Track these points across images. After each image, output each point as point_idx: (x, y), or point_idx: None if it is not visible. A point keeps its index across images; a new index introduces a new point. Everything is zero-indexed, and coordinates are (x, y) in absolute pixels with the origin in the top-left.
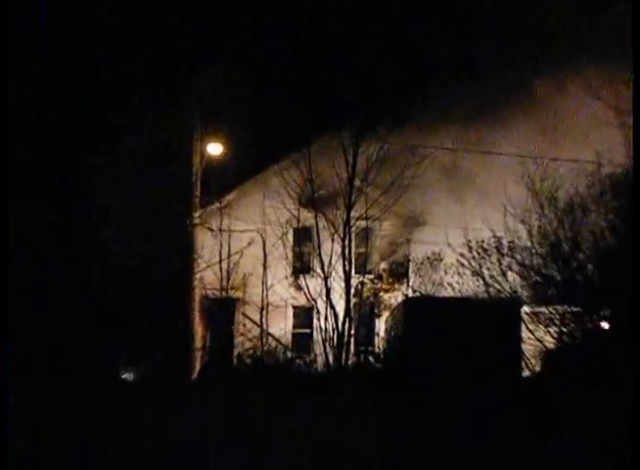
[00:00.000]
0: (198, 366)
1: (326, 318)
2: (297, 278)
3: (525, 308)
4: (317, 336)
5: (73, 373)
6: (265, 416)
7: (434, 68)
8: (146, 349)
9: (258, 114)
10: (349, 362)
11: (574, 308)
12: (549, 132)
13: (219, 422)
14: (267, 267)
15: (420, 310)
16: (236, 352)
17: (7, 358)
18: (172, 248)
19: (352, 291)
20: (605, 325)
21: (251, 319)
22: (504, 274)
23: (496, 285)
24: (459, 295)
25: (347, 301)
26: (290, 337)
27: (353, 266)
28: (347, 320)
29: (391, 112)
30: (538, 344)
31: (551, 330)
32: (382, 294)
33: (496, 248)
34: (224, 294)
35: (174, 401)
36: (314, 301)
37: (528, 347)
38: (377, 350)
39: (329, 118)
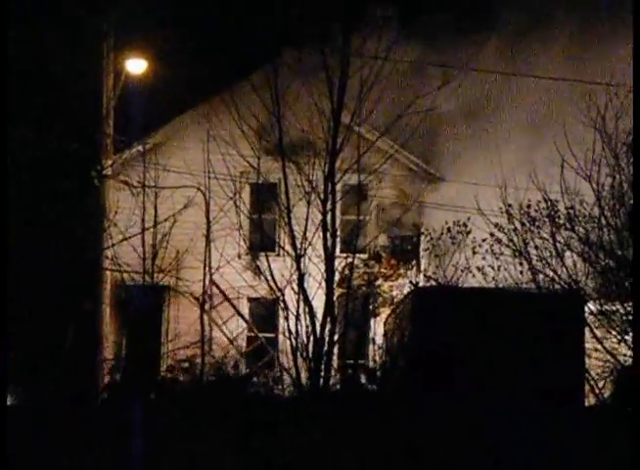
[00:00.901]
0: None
1: (297, 317)
2: (255, 258)
3: (591, 306)
4: (284, 342)
5: None
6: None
7: None
8: (31, 358)
9: (201, 12)
10: (331, 382)
11: None
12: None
13: None
14: (212, 241)
15: (436, 307)
16: (164, 366)
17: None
18: (71, 211)
19: (337, 277)
20: None
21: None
22: (560, 255)
23: (548, 271)
24: (493, 285)
25: (329, 292)
26: (244, 343)
27: (339, 242)
28: (329, 320)
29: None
30: (609, 358)
31: (628, 338)
32: (380, 282)
33: (549, 216)
34: (148, 279)
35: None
36: (280, 291)
37: (595, 361)
38: (371, 363)
39: (304, 19)
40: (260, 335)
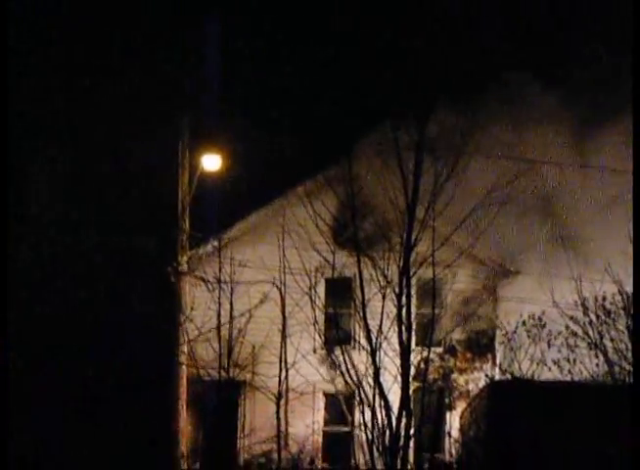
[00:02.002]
0: None
1: (373, 411)
2: (330, 352)
3: None
4: (360, 436)
5: None
6: None
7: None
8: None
9: (274, 113)
10: None
11: None
12: None
13: None
14: (288, 336)
15: (511, 401)
16: (241, 461)
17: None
18: (147, 307)
19: (412, 371)
20: None
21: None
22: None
23: (625, 364)
24: (569, 378)
25: (405, 386)
26: (320, 438)
27: (414, 336)
28: (405, 414)
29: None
30: None
31: None
32: (455, 375)
33: (624, 309)
34: (224, 374)
35: None
36: (357, 385)
37: None
38: (448, 457)
39: (375, 118)
40: (336, 429)
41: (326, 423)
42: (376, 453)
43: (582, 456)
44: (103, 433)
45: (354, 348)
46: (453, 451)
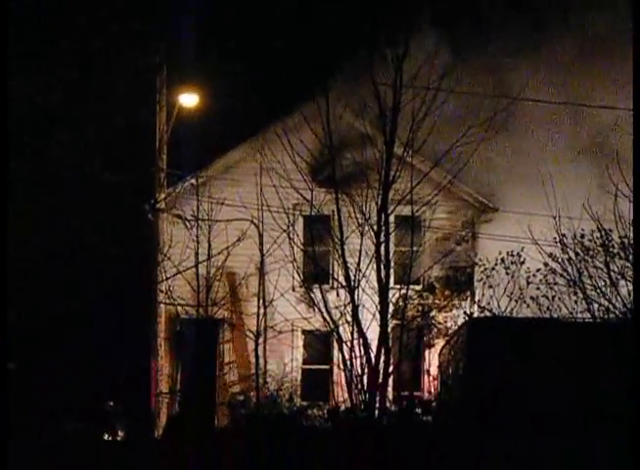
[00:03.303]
0: (163, 419)
1: (352, 349)
2: (309, 290)
3: None
4: (339, 375)
5: None
6: None
7: None
8: (86, 394)
9: (252, 49)
10: (387, 414)
11: None
12: None
13: None
14: (266, 274)
15: (490, 337)
16: (220, 399)
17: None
18: (125, 244)
19: (391, 309)
20: None
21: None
22: (614, 285)
23: (603, 300)
24: (548, 315)
25: (384, 323)
26: (299, 376)
27: (392, 273)
28: (384, 352)
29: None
30: None
31: None
32: (434, 313)
33: (603, 246)
34: (202, 312)
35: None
36: (335, 323)
37: None
38: (426, 395)
39: (352, 54)
40: (315, 367)
41: (305, 361)
42: (355, 391)
43: (560, 393)
44: (82, 368)
45: (333, 286)
46: (432, 389)
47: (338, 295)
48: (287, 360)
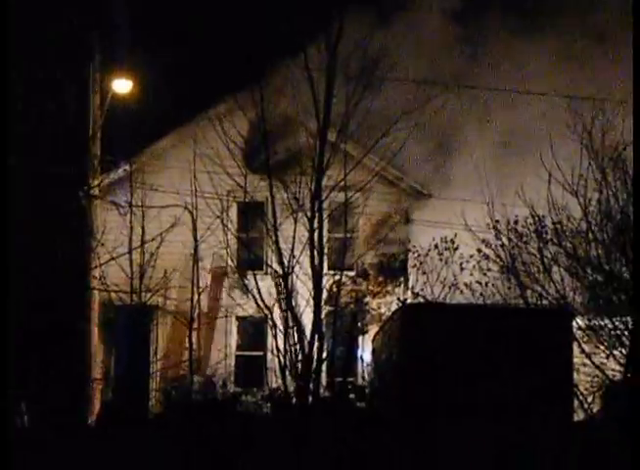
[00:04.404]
0: (96, 405)
1: (286, 335)
2: (242, 276)
3: (579, 321)
4: (273, 361)
5: None
6: None
7: None
8: (21, 378)
9: (187, 30)
10: (320, 399)
11: None
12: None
13: None
14: (200, 260)
15: (423, 323)
16: (154, 385)
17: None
18: (59, 232)
19: (324, 295)
20: None
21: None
22: (548, 271)
23: (536, 286)
24: (481, 301)
25: (317, 310)
26: (233, 362)
27: (326, 259)
28: (317, 338)
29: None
30: (597, 372)
31: (616, 353)
32: (368, 299)
33: (536, 232)
34: (136, 299)
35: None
36: (269, 309)
37: (583, 377)
38: (360, 381)
39: (286, 39)
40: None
41: (239, 347)
42: (289, 377)
43: (493, 378)
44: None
45: (267, 272)
46: (365, 375)
47: (272, 281)
48: (220, 347)
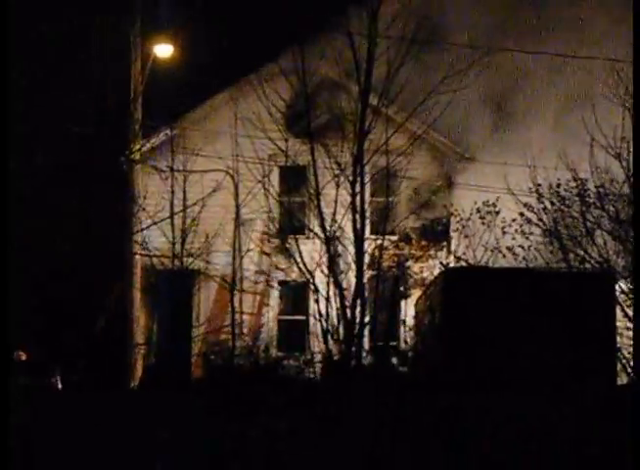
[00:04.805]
0: (139, 370)
1: (328, 299)
2: (284, 241)
3: (622, 285)
4: (315, 325)
5: None
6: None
7: None
8: (62, 344)
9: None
10: (362, 364)
11: None
12: None
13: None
14: (241, 224)
15: (467, 287)
16: (195, 350)
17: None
18: (100, 196)
19: (367, 259)
20: None
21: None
22: (590, 234)
23: (579, 250)
24: (524, 264)
25: (359, 274)
26: (275, 326)
27: (368, 223)
28: (359, 302)
29: None
30: None
31: None
32: (410, 263)
33: (579, 195)
34: (177, 264)
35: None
36: (310, 274)
37: (627, 340)
38: (402, 345)
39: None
40: (291, 318)
41: (281, 312)
42: (331, 342)
43: (536, 342)
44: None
45: (308, 237)
46: (408, 339)
47: (314, 245)
48: (263, 312)
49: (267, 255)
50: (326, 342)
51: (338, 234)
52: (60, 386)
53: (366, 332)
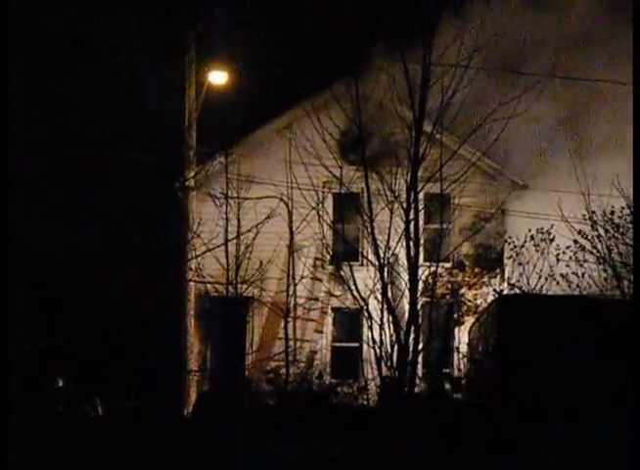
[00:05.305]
0: (193, 396)
1: (382, 326)
2: (338, 268)
3: None
4: (369, 352)
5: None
6: None
7: None
8: (118, 371)
9: (282, 26)
10: (416, 391)
11: None
12: None
13: None
14: (295, 251)
15: (520, 314)
16: (249, 376)
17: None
18: (156, 223)
19: (420, 286)
20: None
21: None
22: None
23: (632, 277)
24: (577, 292)
25: (413, 301)
26: (328, 353)
27: (422, 251)
28: (413, 329)
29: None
30: None
31: None
32: (464, 290)
33: (633, 222)
34: (231, 290)
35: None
36: (364, 301)
37: None
38: (456, 372)
39: (382, 32)
40: (345, 345)
41: (334, 339)
42: (384, 369)
43: (591, 371)
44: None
45: (362, 264)
46: (462, 366)
47: (368, 272)
48: (316, 338)
49: (320, 281)
50: (379, 369)
51: (391, 261)
52: (100, 412)
53: (420, 359)
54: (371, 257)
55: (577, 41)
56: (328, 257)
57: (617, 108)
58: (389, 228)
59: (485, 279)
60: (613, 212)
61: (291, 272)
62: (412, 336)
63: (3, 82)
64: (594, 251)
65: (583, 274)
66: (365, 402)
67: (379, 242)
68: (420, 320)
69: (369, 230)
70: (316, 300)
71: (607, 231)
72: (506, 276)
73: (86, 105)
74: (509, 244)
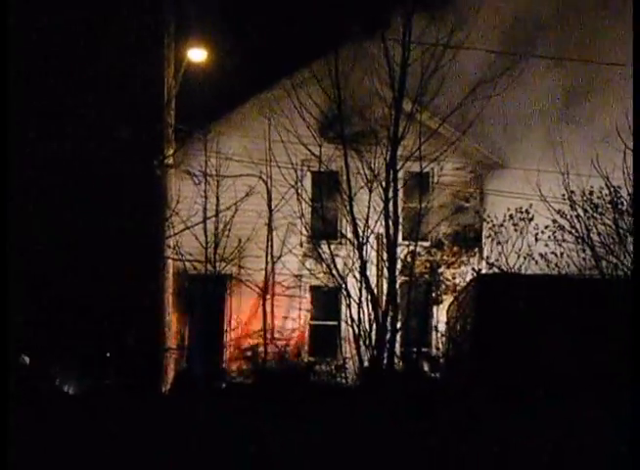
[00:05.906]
0: (171, 374)
1: (360, 305)
2: (317, 246)
3: None
4: (347, 330)
5: None
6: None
7: None
8: (95, 348)
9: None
10: (394, 370)
11: None
12: None
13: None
14: (274, 229)
15: (499, 294)
16: (227, 355)
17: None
18: (134, 201)
19: (399, 265)
20: None
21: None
22: (623, 242)
23: (612, 258)
24: (556, 271)
25: (392, 280)
26: (307, 332)
27: (401, 229)
28: (392, 308)
29: None
30: None
31: None
32: (442, 269)
33: (612, 203)
34: (210, 268)
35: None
36: (343, 279)
37: None
38: (434, 351)
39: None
40: (323, 323)
41: (312, 317)
42: (363, 347)
43: (568, 349)
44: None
45: (340, 242)
46: (440, 345)
47: (346, 250)
48: (294, 316)
49: (299, 260)
50: (358, 347)
51: (370, 239)
52: (70, 391)
53: (398, 338)
54: (350, 235)
55: (560, 21)
56: (307, 235)
57: (599, 89)
58: (368, 207)
59: (464, 258)
60: (592, 193)
61: (269, 251)
62: (390, 315)
63: (3, 82)
64: (573, 230)
65: (562, 254)
66: (343, 381)
67: (358, 220)
68: (398, 299)
69: (348, 209)
70: (295, 277)
71: (585, 211)
72: (485, 255)
73: (64, 83)
74: (488, 223)
